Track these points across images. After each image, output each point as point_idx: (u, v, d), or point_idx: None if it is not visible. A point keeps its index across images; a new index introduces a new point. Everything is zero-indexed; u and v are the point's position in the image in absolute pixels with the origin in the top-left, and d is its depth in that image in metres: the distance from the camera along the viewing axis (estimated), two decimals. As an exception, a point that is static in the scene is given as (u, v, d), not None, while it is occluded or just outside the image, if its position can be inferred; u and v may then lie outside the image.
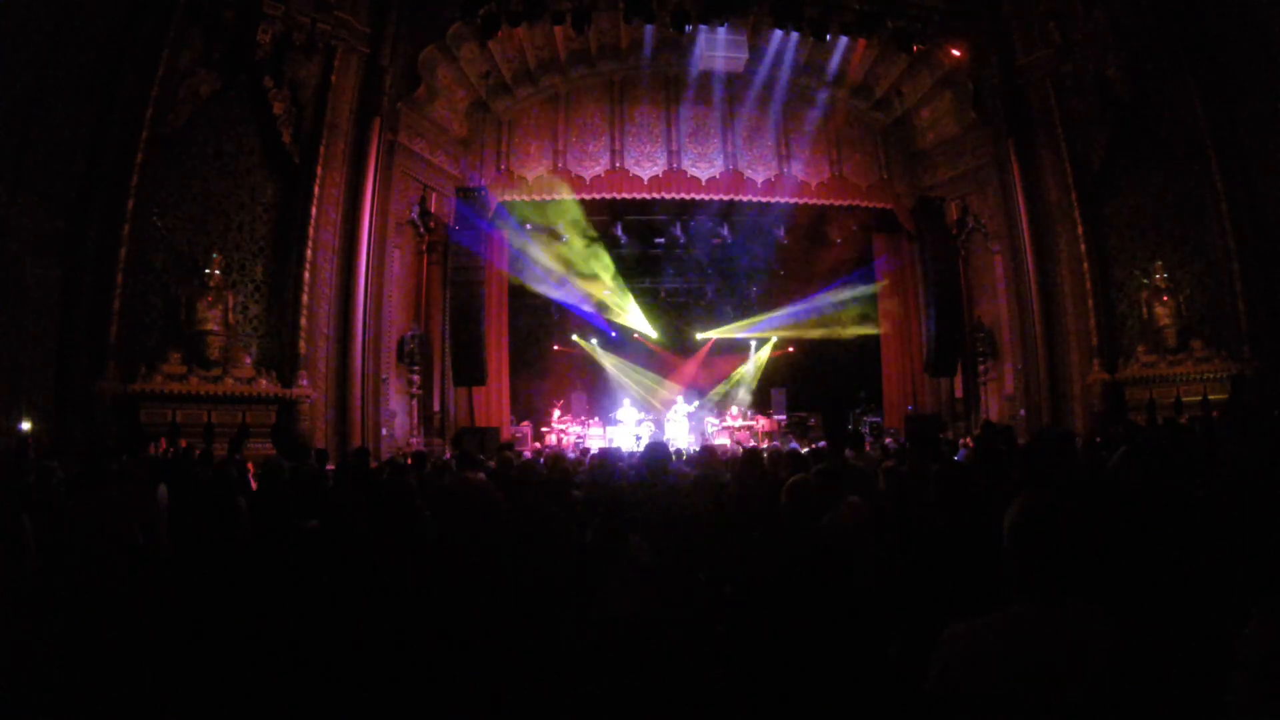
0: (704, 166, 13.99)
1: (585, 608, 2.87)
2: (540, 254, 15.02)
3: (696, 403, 17.17)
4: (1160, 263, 11.32)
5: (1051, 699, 1.47)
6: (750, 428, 15.56)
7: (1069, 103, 12.03)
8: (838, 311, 16.32)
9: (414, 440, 12.38)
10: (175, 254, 9.72)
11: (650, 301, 17.90)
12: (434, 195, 13.13)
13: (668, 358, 18.62)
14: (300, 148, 10.67)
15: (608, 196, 13.85)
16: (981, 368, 14.04)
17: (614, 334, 18.07)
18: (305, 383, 10.41)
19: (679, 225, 15.49)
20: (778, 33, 12.46)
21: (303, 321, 10.50)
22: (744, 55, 13.09)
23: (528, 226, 14.66)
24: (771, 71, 13.43)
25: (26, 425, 7.78)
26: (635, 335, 18.02)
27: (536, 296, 15.85)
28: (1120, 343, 11.79)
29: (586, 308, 16.71)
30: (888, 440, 11.67)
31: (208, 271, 9.74)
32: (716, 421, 16.05)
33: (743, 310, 18.04)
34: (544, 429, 15.33)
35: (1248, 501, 2.67)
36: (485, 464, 6.37)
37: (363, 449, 7.79)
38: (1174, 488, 3.10)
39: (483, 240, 13.15)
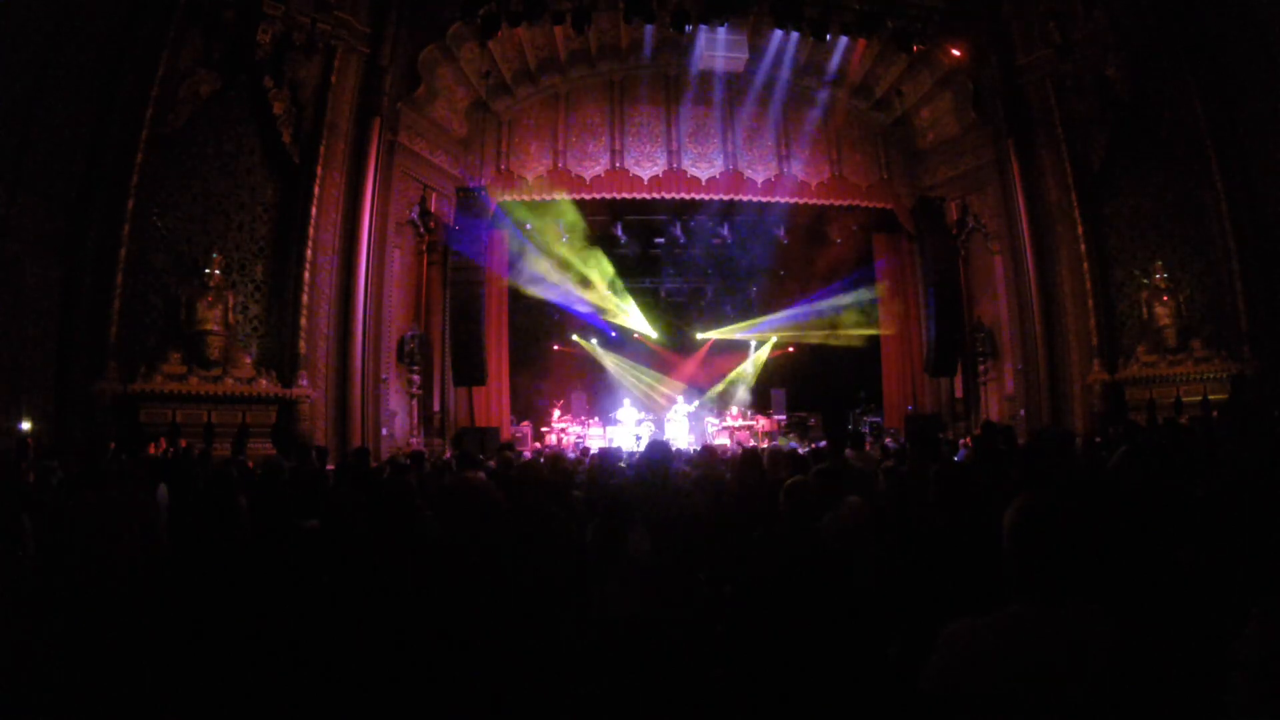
0: (704, 166, 13.99)
1: (585, 608, 2.87)
2: (540, 254, 15.02)
3: (696, 402, 17.18)
4: (1160, 263, 11.32)
5: (1051, 699, 1.47)
6: (750, 428, 15.56)
7: (1069, 103, 12.04)
8: (837, 312, 16.31)
9: (414, 440, 12.38)
10: (175, 254, 9.72)
11: (650, 301, 17.90)
12: (434, 195, 13.14)
13: (668, 357, 18.63)
14: (300, 148, 10.67)
15: (608, 196, 13.85)
16: (981, 368, 14.04)
17: (614, 334, 18.07)
18: (305, 383, 10.41)
19: (679, 225, 15.49)
20: (778, 33, 12.46)
21: (303, 321, 10.50)
22: (744, 55, 13.10)
23: (528, 226, 14.66)
24: (771, 71, 13.43)
25: (26, 425, 7.78)
26: (635, 335, 18.02)
27: (536, 296, 15.85)
28: (1120, 343, 11.79)
29: (586, 307, 16.71)
30: (888, 440, 11.67)
31: (208, 271, 9.75)
32: (716, 421, 16.05)
33: (743, 310, 18.04)
34: (544, 429, 15.32)
35: (1248, 501, 2.67)
36: (485, 464, 6.38)
37: (362, 449, 7.78)
38: (1174, 488, 3.10)
39: (483, 240, 13.16)
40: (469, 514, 4.20)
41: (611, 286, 16.42)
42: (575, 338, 17.98)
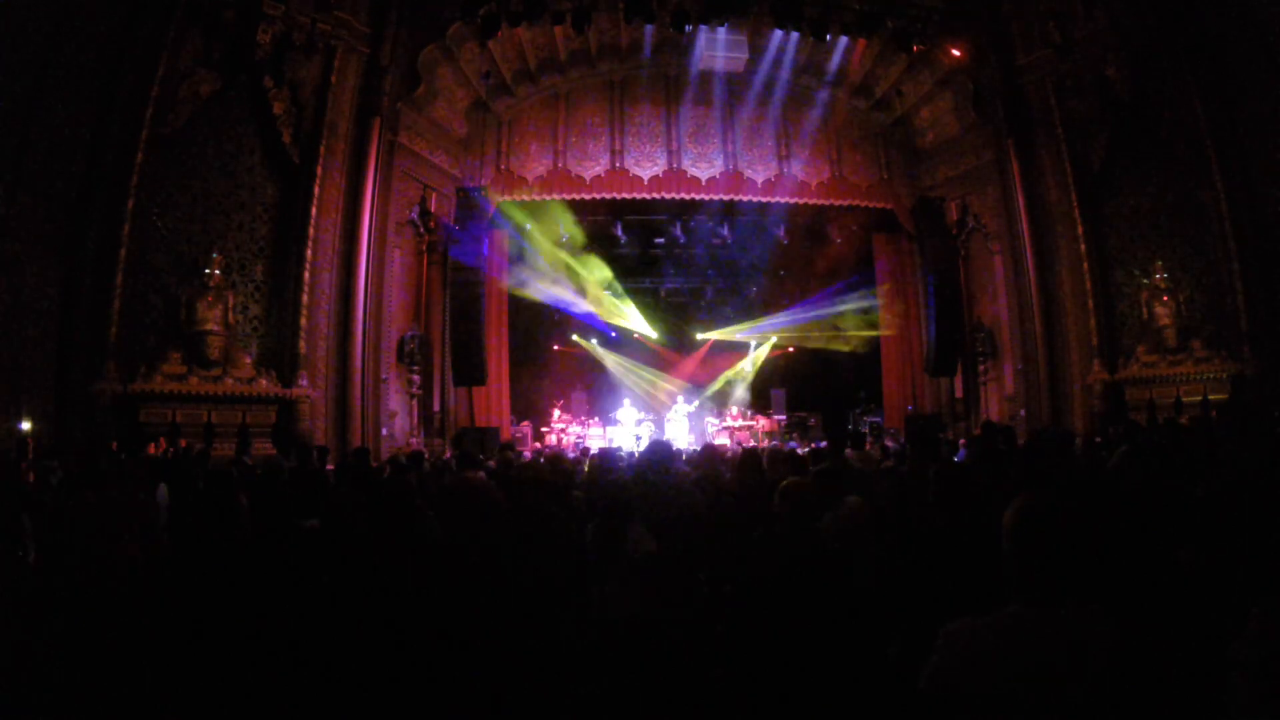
0: (704, 166, 13.99)
1: (585, 608, 2.87)
2: (540, 254, 15.02)
3: (696, 402, 17.19)
4: (1160, 263, 11.31)
5: (1051, 699, 1.47)
6: (750, 427, 15.56)
7: (1069, 103, 12.02)
8: (837, 312, 16.31)
9: (414, 440, 12.38)
10: (175, 254, 9.72)
11: (650, 301, 17.89)
12: (434, 195, 13.13)
13: (668, 357, 18.62)
14: (300, 148, 10.67)
15: (608, 196, 13.84)
16: (981, 368, 14.03)
17: (614, 334, 18.07)
18: (305, 382, 10.41)
19: (679, 225, 15.47)
20: (778, 33, 12.46)
21: (303, 321, 10.50)
22: (744, 55, 13.09)
23: (528, 226, 14.65)
24: (771, 71, 13.42)
25: (26, 425, 7.77)
26: (635, 335, 18.01)
27: (536, 296, 15.84)
28: (1120, 343, 11.78)
29: (586, 307, 16.71)
30: (888, 440, 11.67)
31: (208, 271, 9.74)
32: (716, 421, 16.05)
33: (743, 310, 18.04)
34: (544, 429, 15.32)
35: (1248, 501, 2.67)
36: (485, 464, 6.39)
37: (362, 449, 7.79)
38: (1174, 488, 3.10)
39: (483, 240, 13.15)
40: (469, 514, 4.20)
41: (611, 286, 16.41)
42: (575, 337, 17.97)
